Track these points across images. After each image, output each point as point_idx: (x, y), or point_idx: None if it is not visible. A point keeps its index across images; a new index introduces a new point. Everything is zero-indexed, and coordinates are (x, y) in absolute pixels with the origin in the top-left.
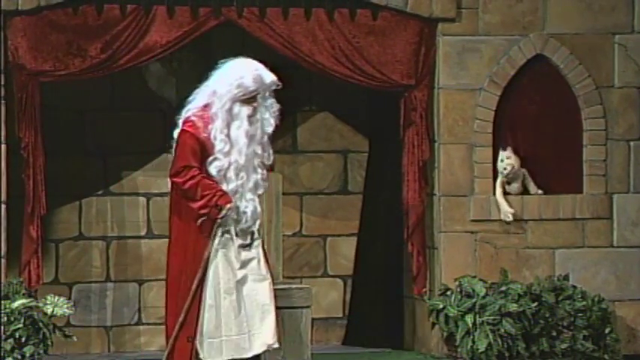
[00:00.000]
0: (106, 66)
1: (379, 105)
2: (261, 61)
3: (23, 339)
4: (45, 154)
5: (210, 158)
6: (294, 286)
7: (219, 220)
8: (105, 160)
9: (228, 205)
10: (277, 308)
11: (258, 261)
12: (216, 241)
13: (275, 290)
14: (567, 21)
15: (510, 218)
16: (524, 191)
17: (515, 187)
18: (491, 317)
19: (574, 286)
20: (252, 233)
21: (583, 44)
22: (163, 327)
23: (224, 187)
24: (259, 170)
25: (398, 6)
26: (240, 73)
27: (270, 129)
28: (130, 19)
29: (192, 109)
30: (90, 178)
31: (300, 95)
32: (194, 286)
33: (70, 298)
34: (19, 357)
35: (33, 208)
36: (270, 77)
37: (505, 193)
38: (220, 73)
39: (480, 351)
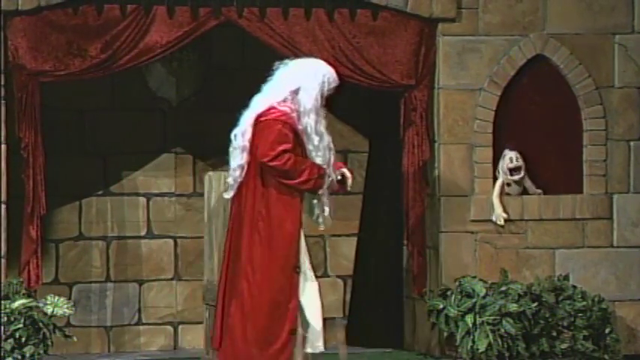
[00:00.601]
0: (106, 66)
1: (379, 105)
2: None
3: (23, 339)
4: (45, 154)
5: (313, 153)
6: None
7: (320, 192)
8: (105, 160)
9: (327, 173)
10: None
11: None
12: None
13: None
14: (567, 21)
15: (502, 222)
16: (524, 191)
17: (516, 188)
18: (492, 317)
19: (574, 286)
20: None
21: (583, 44)
22: (162, 327)
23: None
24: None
25: (398, 6)
26: (323, 69)
27: None
28: (130, 19)
29: (274, 102)
30: (90, 178)
31: None
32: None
33: (70, 298)
34: (19, 357)
35: (33, 208)
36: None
37: (505, 194)
38: (298, 71)
39: (480, 351)
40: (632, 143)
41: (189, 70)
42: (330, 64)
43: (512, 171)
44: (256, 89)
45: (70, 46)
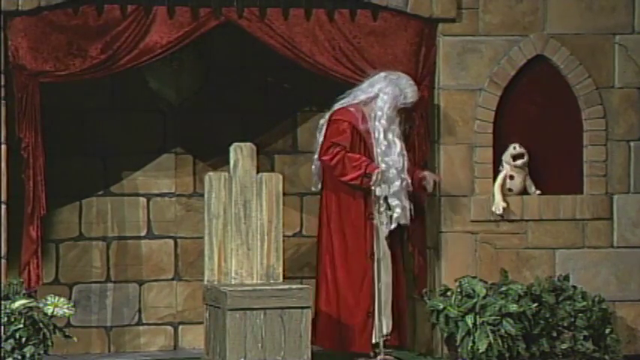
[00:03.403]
0: (107, 66)
1: None
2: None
3: (23, 339)
4: (45, 154)
5: (379, 158)
6: (294, 286)
7: (375, 189)
8: (105, 160)
9: (377, 171)
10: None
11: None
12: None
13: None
14: (567, 21)
15: (501, 211)
16: (524, 191)
17: (517, 182)
18: (492, 318)
19: (574, 287)
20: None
21: (583, 45)
22: (162, 327)
23: (387, 187)
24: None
25: (398, 6)
26: (405, 83)
27: None
28: (130, 19)
29: (345, 102)
30: (90, 178)
31: (300, 95)
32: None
33: (70, 299)
34: (20, 357)
35: (33, 209)
36: (417, 96)
37: (508, 189)
38: (381, 80)
39: (480, 351)
40: (632, 143)
41: (189, 70)
42: (330, 64)
43: (516, 157)
44: (256, 89)
45: (71, 46)
